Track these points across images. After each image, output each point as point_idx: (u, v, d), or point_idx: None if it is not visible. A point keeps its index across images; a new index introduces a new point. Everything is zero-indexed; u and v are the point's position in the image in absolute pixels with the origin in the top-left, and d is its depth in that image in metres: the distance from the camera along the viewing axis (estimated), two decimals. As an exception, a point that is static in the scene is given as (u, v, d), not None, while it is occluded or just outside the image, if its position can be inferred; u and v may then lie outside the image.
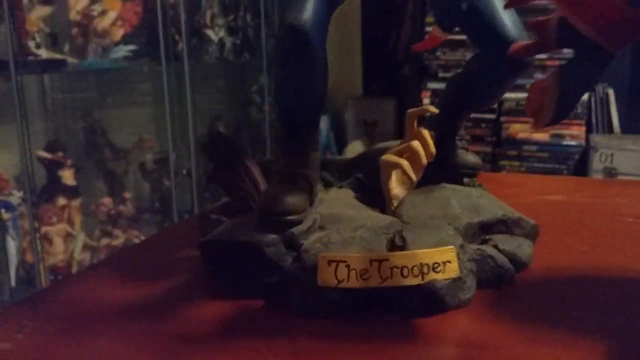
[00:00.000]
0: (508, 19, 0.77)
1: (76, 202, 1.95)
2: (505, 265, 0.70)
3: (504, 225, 0.77)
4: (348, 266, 0.63)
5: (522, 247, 0.74)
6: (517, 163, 2.63)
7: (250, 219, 0.70)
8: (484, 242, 0.74)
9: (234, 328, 0.62)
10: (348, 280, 0.62)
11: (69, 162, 1.97)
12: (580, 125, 2.46)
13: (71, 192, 1.95)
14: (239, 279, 0.68)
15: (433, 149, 0.75)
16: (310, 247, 0.65)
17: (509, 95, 2.41)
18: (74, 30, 1.98)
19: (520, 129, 2.61)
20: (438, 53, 2.55)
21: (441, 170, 0.83)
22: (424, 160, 0.74)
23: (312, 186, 0.72)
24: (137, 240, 2.03)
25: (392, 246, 0.67)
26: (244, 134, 2.74)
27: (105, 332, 0.60)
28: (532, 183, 1.16)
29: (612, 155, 2.29)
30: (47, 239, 1.82)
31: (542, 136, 2.57)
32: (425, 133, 0.75)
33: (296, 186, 0.70)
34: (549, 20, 0.56)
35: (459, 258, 0.65)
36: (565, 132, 2.54)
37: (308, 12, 0.65)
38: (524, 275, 0.72)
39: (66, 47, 1.96)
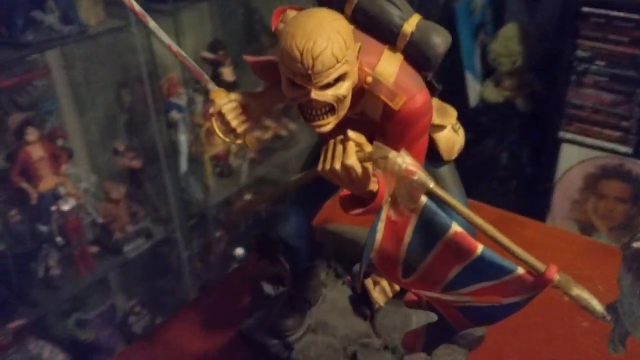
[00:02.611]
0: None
1: (235, 96, 2.34)
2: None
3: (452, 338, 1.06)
4: (312, 381, 1.00)
5: (453, 360, 1.04)
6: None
7: (274, 313, 1.08)
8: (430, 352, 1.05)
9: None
10: (311, 388, 1.00)
11: (228, 60, 2.32)
12: None
13: (231, 88, 2.33)
14: (260, 356, 1.09)
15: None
16: (296, 356, 1.03)
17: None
18: None
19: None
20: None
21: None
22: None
23: (310, 304, 1.06)
24: (283, 132, 2.43)
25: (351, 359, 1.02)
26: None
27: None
28: (536, 247, 1.30)
29: None
30: (210, 133, 2.28)
31: None
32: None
33: (296, 308, 1.05)
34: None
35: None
36: None
37: (289, 226, 0.95)
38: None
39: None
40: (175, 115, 2.17)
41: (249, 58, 0.98)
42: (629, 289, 0.70)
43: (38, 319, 1.86)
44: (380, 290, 1.06)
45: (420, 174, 0.72)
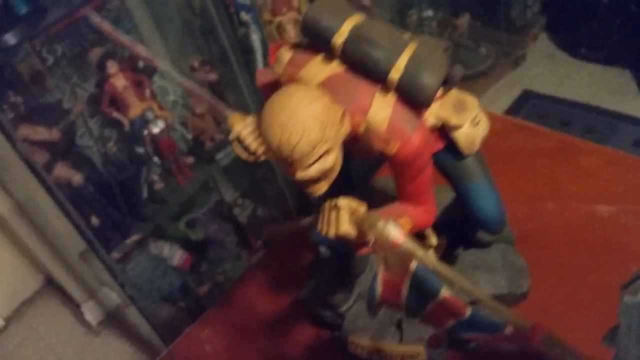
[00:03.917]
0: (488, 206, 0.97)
1: (302, -14, 2.27)
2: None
3: (495, 298, 1.11)
4: (363, 348, 1.11)
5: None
6: None
7: (324, 284, 1.18)
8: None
9: (311, 348, 1.18)
10: (362, 353, 1.12)
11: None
12: None
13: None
14: (318, 322, 1.21)
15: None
16: (347, 325, 1.13)
17: None
18: None
19: None
20: None
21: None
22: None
23: (357, 275, 1.14)
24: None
25: (397, 327, 1.12)
26: None
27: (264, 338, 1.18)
28: (595, 179, 1.22)
29: None
30: (281, 27, 2.27)
31: None
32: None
33: (344, 282, 1.14)
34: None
35: (428, 348, 1.08)
36: None
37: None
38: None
39: None
40: (244, 15, 2.17)
41: (259, 79, 0.98)
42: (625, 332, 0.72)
43: (153, 229, 2.09)
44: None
45: (406, 244, 0.74)
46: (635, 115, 2.50)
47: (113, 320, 2.37)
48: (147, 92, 2.00)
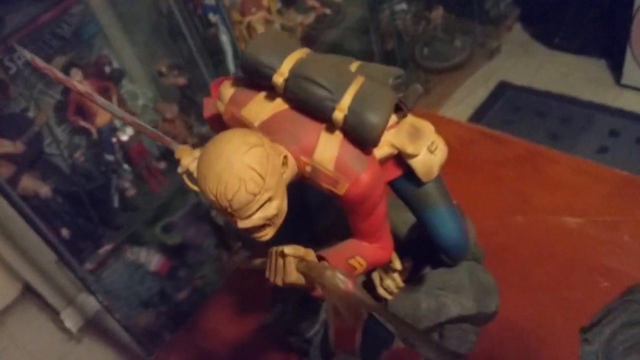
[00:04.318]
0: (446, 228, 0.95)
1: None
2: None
3: (463, 319, 1.10)
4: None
5: (463, 341, 1.09)
6: None
7: (289, 311, 1.16)
8: (441, 333, 1.10)
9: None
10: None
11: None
12: None
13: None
14: (285, 347, 1.19)
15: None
16: (313, 352, 1.12)
17: None
18: None
19: None
20: None
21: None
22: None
23: (322, 300, 1.13)
24: (327, 11, 2.32)
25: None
26: None
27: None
28: (562, 190, 1.21)
29: None
30: (251, 27, 2.24)
31: None
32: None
33: (308, 308, 1.12)
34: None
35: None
36: None
37: None
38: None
39: None
40: (212, 16, 2.14)
41: (206, 111, 0.96)
42: None
43: (128, 236, 2.07)
44: (386, 286, 1.09)
45: (356, 293, 0.73)
46: (611, 105, 2.49)
47: (94, 326, 2.35)
48: (114, 99, 1.95)
